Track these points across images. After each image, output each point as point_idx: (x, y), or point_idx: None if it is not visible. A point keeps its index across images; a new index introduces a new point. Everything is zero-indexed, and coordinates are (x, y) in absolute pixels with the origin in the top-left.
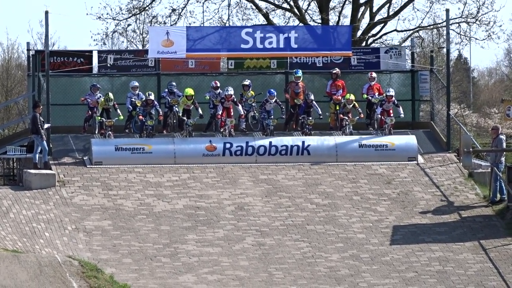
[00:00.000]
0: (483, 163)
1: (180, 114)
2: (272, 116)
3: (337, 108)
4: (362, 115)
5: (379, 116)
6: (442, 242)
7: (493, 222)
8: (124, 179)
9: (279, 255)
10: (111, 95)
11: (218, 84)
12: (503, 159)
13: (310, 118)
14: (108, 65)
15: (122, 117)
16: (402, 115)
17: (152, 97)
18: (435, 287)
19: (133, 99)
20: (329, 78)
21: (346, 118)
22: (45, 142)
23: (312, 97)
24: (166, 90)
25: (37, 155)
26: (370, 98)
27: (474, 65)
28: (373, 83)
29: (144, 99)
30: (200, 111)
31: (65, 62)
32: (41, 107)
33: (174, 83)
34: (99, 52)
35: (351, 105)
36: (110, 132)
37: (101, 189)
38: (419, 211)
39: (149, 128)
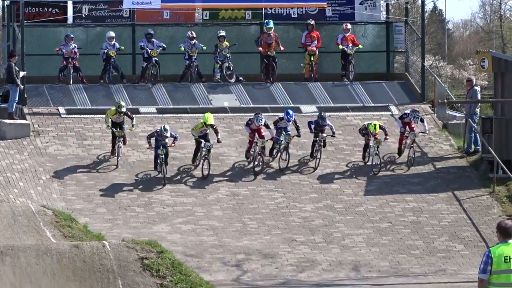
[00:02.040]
0: (458, 114)
1: (196, 137)
2: (289, 132)
3: (312, 59)
4: (387, 137)
5: (401, 130)
6: (416, 193)
7: (467, 173)
8: (98, 129)
9: (253, 205)
10: (122, 102)
11: (194, 35)
12: (477, 110)
13: (324, 134)
14: (83, 15)
15: (134, 128)
16: (428, 132)
17: (168, 134)
18: (409, 238)
19: (106, 50)
20: (304, 29)
21: (371, 139)
22: (17, 94)
23: (327, 121)
24: (145, 39)
25: (13, 104)
26: (345, 49)
27: (449, 17)
28: (347, 34)
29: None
30: (220, 137)
31: (39, 12)
32: (16, 57)
33: (151, 31)
34: (74, 2)
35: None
36: (120, 143)
37: (75, 139)
38: (393, 161)
39: (162, 157)
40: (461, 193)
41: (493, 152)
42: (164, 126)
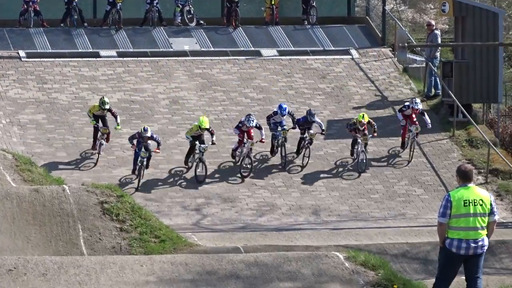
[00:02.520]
0: (418, 58)
1: (190, 140)
2: (284, 126)
3: (273, 2)
4: (375, 134)
5: (402, 123)
6: (376, 137)
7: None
8: (59, 73)
9: (213, 149)
10: (106, 99)
11: None
12: (438, 54)
13: (311, 131)
14: None
15: (120, 127)
16: (429, 126)
17: (148, 134)
18: (368, 182)
19: None
20: None
21: (359, 135)
22: None
23: (316, 118)
24: None
25: None
26: None
27: None
28: None
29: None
30: (215, 138)
31: None
32: None
33: None
34: None
35: (362, 127)
36: (103, 141)
37: (35, 82)
38: (353, 105)
39: (143, 160)
40: (421, 137)
41: (453, 96)
42: (144, 127)
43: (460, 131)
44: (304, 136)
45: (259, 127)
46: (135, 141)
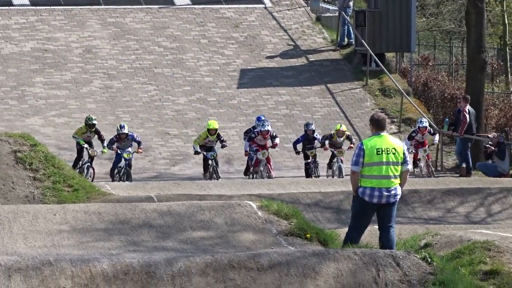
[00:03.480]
0: (331, 7)
1: (197, 150)
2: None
3: None
4: (352, 146)
5: (413, 148)
6: (289, 86)
7: (340, 66)
8: None
9: (126, 98)
10: (93, 116)
11: None
12: (351, 3)
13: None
14: None
15: (106, 151)
16: (436, 142)
17: (125, 130)
18: (282, 131)
19: None
20: None
21: (333, 150)
22: None
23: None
24: None
25: None
26: None
27: None
28: None
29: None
30: (225, 143)
31: None
32: None
33: None
34: None
35: (342, 138)
36: (89, 164)
37: None
38: (266, 55)
39: (125, 163)
40: (334, 86)
41: (366, 45)
42: (120, 124)
43: (373, 80)
44: (309, 161)
45: (274, 136)
46: (115, 145)
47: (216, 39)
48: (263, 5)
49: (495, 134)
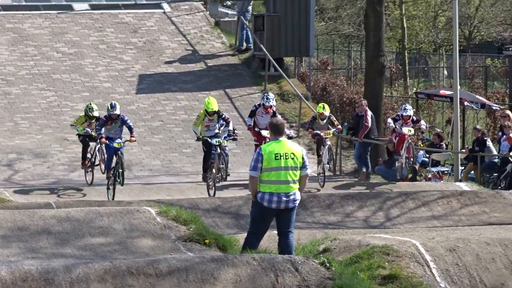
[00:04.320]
0: (230, 11)
1: (199, 136)
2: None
3: None
4: (340, 127)
5: (394, 140)
6: (188, 91)
7: (239, 71)
8: None
9: (24, 104)
10: (94, 105)
11: None
12: (250, 7)
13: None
14: None
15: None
16: (424, 127)
17: (117, 111)
18: (180, 136)
19: None
20: None
21: (319, 132)
22: None
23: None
24: None
25: None
26: None
27: None
28: None
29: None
30: (231, 127)
31: None
32: None
33: None
34: None
35: (324, 120)
36: (99, 146)
37: None
38: (165, 60)
39: (119, 154)
40: (232, 91)
41: (264, 50)
42: (111, 102)
43: (272, 85)
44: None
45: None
46: (104, 130)
47: (114, 44)
48: (162, 10)
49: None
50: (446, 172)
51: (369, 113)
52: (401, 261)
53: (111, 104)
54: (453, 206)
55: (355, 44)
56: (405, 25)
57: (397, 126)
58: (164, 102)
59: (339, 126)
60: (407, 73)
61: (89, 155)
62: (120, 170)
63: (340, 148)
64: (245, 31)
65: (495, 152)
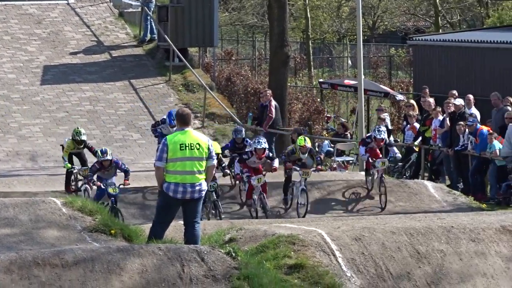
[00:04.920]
0: (134, 2)
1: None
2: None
3: None
4: (321, 167)
5: (365, 156)
6: (93, 82)
7: (143, 61)
8: None
9: None
10: (81, 129)
11: None
12: None
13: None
14: None
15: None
16: (399, 156)
17: (108, 156)
18: (86, 127)
19: None
20: None
21: (298, 169)
22: None
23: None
24: None
25: None
26: None
27: None
28: None
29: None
30: (225, 165)
31: None
32: None
33: None
34: None
35: (306, 155)
36: (87, 186)
37: None
38: (70, 51)
39: (111, 200)
40: (137, 82)
41: (169, 40)
42: (102, 148)
43: (176, 76)
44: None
45: (272, 157)
46: (95, 176)
47: (19, 35)
48: (66, 1)
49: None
50: (351, 162)
51: (274, 103)
52: (307, 250)
53: (101, 150)
54: (358, 195)
55: (259, 35)
56: (308, 15)
57: (369, 159)
58: (69, 93)
59: (320, 167)
60: (312, 63)
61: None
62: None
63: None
64: (149, 22)
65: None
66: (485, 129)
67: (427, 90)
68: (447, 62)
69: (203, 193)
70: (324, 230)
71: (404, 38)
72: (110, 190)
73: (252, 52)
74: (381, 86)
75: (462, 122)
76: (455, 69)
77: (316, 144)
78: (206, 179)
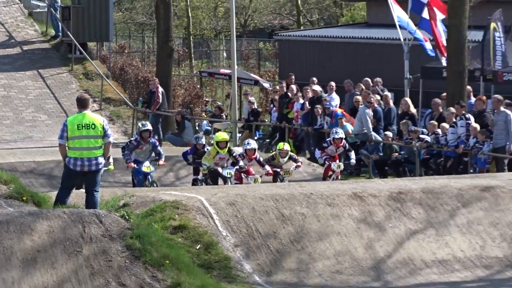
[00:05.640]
0: (41, 3)
1: (208, 166)
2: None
3: None
4: (300, 164)
5: (322, 160)
6: (7, 72)
7: (50, 54)
8: None
9: None
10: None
11: None
12: (58, 0)
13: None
14: None
15: (112, 167)
16: (353, 162)
17: (148, 126)
18: (0, 110)
19: None
20: None
21: (278, 170)
22: None
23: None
24: None
25: None
26: None
27: None
28: None
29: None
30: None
31: None
32: None
33: None
34: None
35: (285, 159)
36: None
37: None
38: None
39: (150, 180)
40: (44, 71)
41: (71, 36)
42: (142, 122)
43: (78, 66)
44: (200, 177)
45: (261, 163)
46: (132, 156)
47: None
48: None
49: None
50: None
51: (160, 89)
52: (189, 213)
53: (142, 123)
54: None
55: (148, 31)
56: (190, 15)
57: (326, 162)
58: None
59: (299, 163)
60: (192, 55)
61: None
62: None
63: (136, 119)
64: (54, 20)
65: None
66: (339, 111)
67: (293, 77)
68: (308, 55)
69: (100, 166)
70: (204, 196)
71: (271, 34)
72: (144, 168)
73: (142, 46)
74: (252, 75)
75: (319, 105)
76: (316, 60)
77: (196, 124)
78: (103, 154)
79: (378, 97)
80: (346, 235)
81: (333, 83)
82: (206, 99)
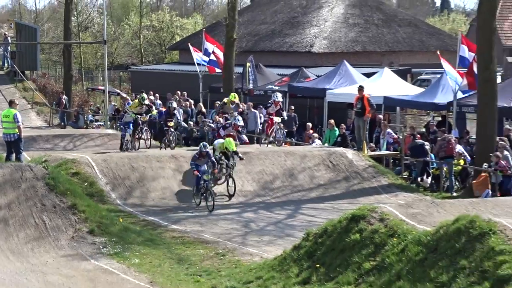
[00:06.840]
0: None
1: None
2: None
3: None
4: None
5: (264, 121)
6: None
7: (3, 77)
8: None
9: None
10: (145, 95)
11: None
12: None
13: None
14: None
15: (155, 112)
16: (285, 118)
17: (208, 149)
18: None
19: None
20: None
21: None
22: None
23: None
24: None
25: None
26: None
27: None
28: None
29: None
30: (241, 155)
31: None
32: None
33: None
34: None
35: (234, 105)
36: (146, 128)
37: None
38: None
39: (205, 184)
40: (1, 87)
41: (16, 67)
42: (203, 143)
43: (19, 84)
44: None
45: (240, 132)
46: (194, 166)
47: None
48: None
49: None
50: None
51: (65, 97)
52: (81, 165)
53: (203, 144)
54: (105, 141)
55: (58, 65)
56: (82, 56)
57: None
58: None
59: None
60: (83, 78)
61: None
62: (210, 196)
63: (52, 113)
64: (7, 58)
65: None
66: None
67: (143, 90)
68: (148, 79)
69: (15, 138)
70: (89, 156)
71: (127, 67)
72: (205, 177)
73: (55, 73)
74: (115, 89)
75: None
76: (153, 82)
77: (86, 116)
78: (18, 133)
79: (188, 103)
80: (168, 178)
81: (158, 95)
82: (91, 103)
